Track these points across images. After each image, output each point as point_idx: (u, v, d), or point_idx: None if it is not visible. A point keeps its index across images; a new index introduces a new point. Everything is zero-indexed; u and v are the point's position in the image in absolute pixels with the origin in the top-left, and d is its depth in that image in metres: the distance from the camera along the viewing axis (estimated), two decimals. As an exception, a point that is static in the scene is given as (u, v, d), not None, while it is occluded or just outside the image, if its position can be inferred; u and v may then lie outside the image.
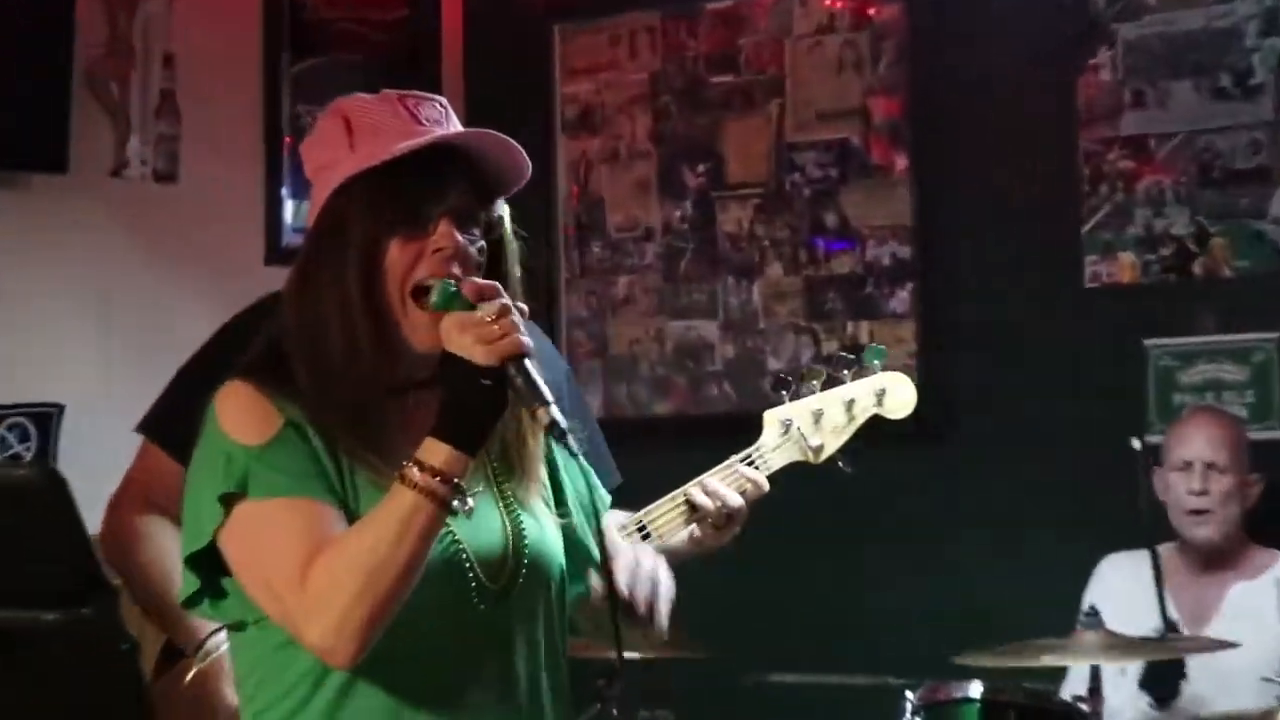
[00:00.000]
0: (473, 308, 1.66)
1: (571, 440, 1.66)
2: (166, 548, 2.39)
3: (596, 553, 1.82)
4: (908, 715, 2.91)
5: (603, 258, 4.48)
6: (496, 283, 1.70)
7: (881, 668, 3.53)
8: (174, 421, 2.42)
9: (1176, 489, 3.55)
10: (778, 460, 2.30)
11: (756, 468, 2.24)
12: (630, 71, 4.47)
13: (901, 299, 4.18)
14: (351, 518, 1.69)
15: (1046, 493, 3.90)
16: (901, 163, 4.19)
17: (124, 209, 3.81)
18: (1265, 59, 3.87)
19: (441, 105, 1.79)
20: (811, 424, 2.29)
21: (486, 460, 1.79)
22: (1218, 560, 3.59)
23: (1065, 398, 3.99)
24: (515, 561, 1.76)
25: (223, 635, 2.37)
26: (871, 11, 4.21)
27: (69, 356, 3.64)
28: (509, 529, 1.77)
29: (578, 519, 1.88)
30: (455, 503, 1.65)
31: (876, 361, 2.32)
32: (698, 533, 2.20)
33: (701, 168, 4.40)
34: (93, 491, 2.22)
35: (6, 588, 1.37)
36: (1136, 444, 3.59)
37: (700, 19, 4.39)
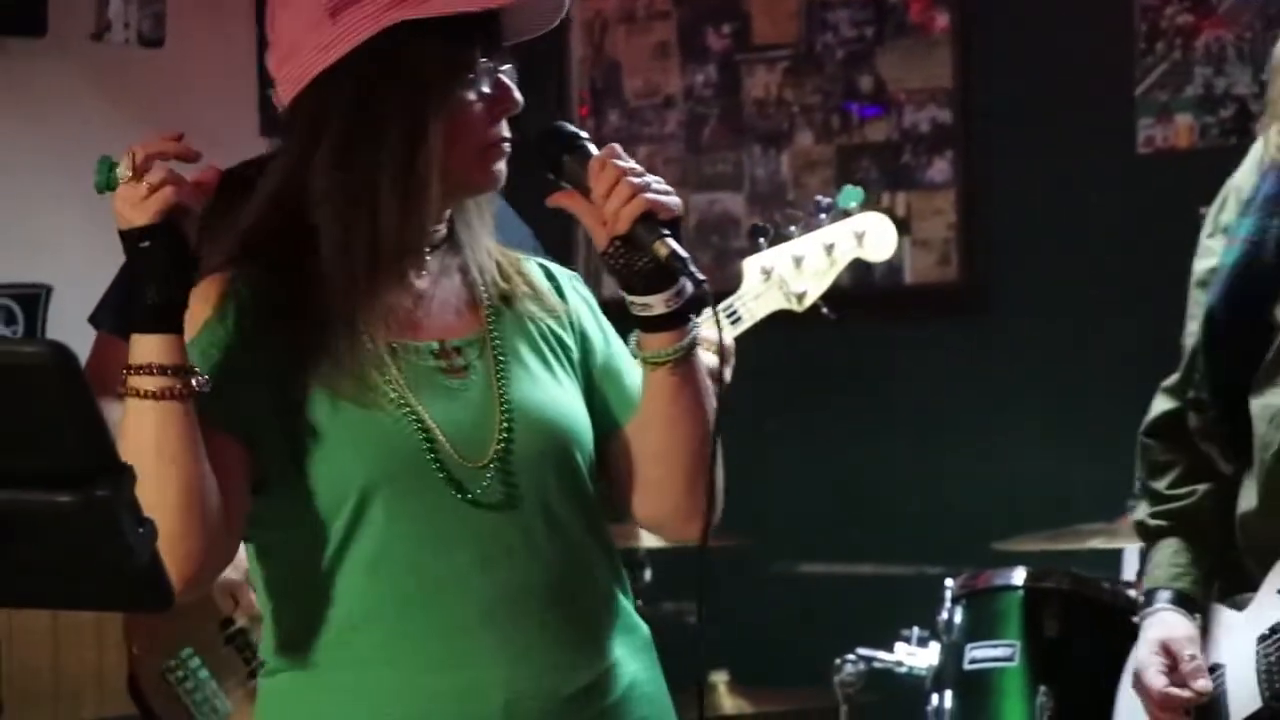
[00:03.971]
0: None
1: None
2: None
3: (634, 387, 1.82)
4: (947, 605, 2.98)
5: (620, 126, 4.50)
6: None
7: (919, 556, 3.62)
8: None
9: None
10: (760, 309, 2.37)
11: (740, 318, 2.32)
12: (647, -76, 4.47)
13: (941, 168, 4.21)
14: (290, 408, 1.71)
15: (1094, 370, 3.96)
16: (942, 21, 4.19)
17: (106, 75, 3.83)
18: (1338, -98, 3.86)
19: None
20: (793, 269, 2.36)
21: (480, 316, 1.80)
22: None
23: (1115, 272, 4.03)
24: (502, 431, 1.75)
25: None
26: None
27: (55, 234, 3.68)
28: (496, 395, 1.76)
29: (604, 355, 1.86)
30: (186, 385, 1.65)
31: (854, 203, 2.38)
32: None
33: (726, 28, 4.41)
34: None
35: (19, 469, 1.43)
36: None
37: None
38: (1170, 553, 2.26)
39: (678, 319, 1.79)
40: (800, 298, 2.38)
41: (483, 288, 1.82)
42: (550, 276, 1.89)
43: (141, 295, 1.66)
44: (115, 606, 1.95)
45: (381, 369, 1.73)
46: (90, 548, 1.43)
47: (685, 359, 1.79)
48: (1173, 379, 2.35)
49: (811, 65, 4.33)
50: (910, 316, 4.19)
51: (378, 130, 1.72)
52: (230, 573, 2.55)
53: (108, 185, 1.66)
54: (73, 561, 1.45)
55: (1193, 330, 2.32)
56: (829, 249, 2.36)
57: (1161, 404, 2.35)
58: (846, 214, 2.37)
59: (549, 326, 1.83)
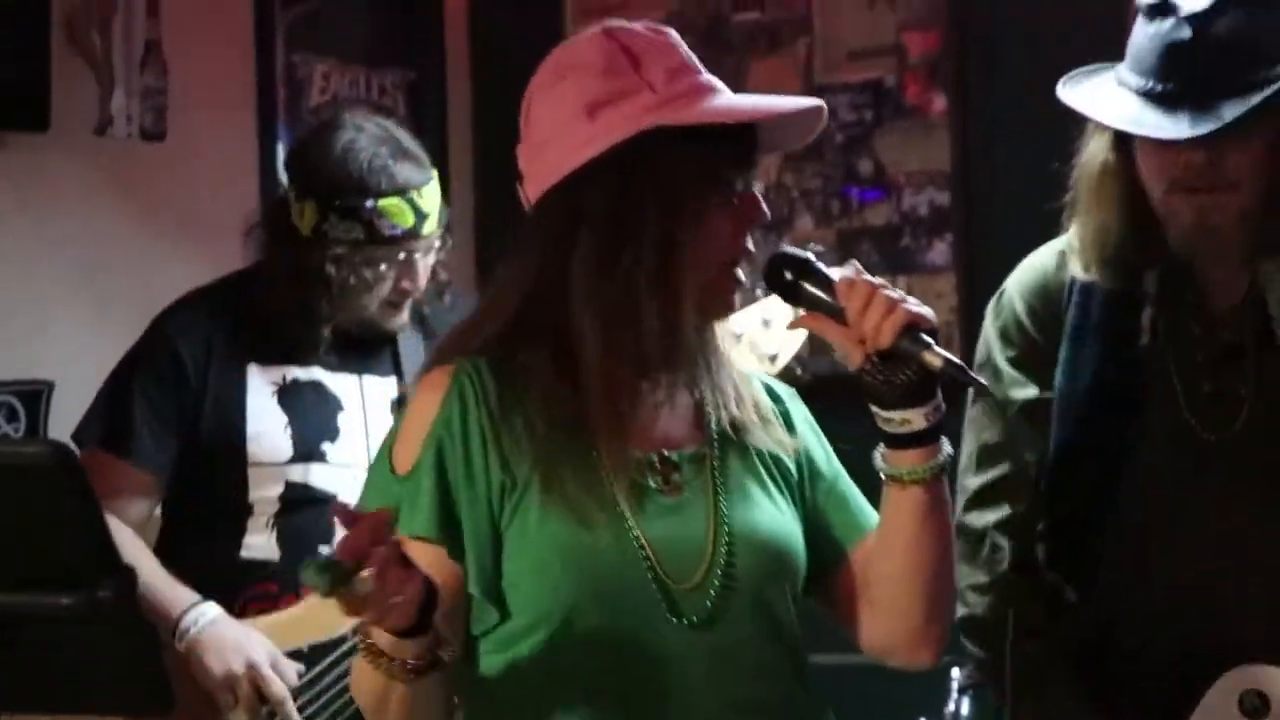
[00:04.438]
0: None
1: None
2: (123, 540, 2.59)
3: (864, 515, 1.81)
4: (954, 695, 2.96)
5: (620, 212, 4.51)
6: None
7: (926, 644, 3.58)
8: (109, 422, 2.71)
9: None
10: None
11: None
12: (647, 9, 4.49)
13: (941, 251, 4.22)
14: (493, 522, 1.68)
15: (1100, 455, 3.95)
16: (940, 104, 4.22)
17: (110, 169, 3.85)
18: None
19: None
20: (762, 331, 2.36)
21: (709, 435, 1.77)
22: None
23: (1119, 354, 4.02)
24: (718, 556, 1.72)
25: (194, 614, 2.53)
26: (905, -61, 4.25)
27: (56, 329, 3.69)
28: (713, 515, 1.73)
29: (829, 476, 1.83)
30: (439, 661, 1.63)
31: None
32: None
33: (725, 114, 4.43)
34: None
35: (19, 572, 1.43)
36: None
37: (722, -49, 4.43)
38: (1069, 688, 2.19)
39: (932, 434, 1.75)
40: (773, 359, 2.37)
41: (711, 405, 1.79)
42: (773, 395, 1.87)
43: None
44: (117, 711, 1.94)
45: (606, 480, 1.70)
46: (92, 650, 1.43)
47: (938, 476, 1.75)
48: (1003, 515, 2.23)
49: (811, 150, 4.35)
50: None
51: (632, 236, 1.69)
52: (232, 664, 2.54)
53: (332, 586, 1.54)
54: (75, 664, 1.45)
55: (1030, 459, 2.22)
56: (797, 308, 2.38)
57: (1006, 541, 2.24)
58: None
59: (769, 450, 1.80)
